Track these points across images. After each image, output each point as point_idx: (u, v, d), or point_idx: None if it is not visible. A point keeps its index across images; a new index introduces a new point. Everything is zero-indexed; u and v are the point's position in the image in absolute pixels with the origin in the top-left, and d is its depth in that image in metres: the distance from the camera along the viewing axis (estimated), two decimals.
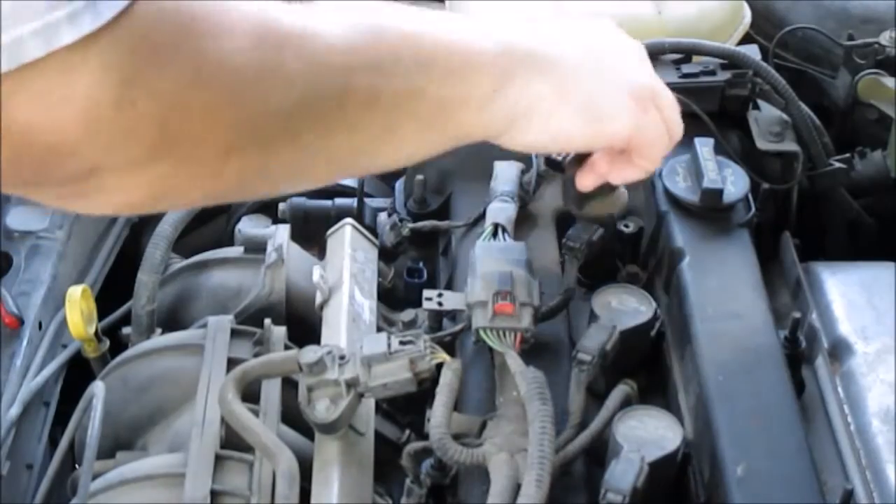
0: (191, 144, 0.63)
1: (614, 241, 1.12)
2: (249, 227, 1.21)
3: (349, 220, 1.17)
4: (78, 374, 1.18)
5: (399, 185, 1.34)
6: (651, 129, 0.89)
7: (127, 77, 0.57)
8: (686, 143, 1.08)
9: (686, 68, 1.22)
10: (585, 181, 0.97)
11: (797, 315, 0.99)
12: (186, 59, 0.60)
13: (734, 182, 1.08)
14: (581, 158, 0.96)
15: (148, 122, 0.60)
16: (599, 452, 0.94)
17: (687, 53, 1.25)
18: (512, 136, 0.86)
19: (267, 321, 1.06)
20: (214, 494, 0.90)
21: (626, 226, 1.13)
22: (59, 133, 0.58)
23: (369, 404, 0.98)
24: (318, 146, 0.72)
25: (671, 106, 0.92)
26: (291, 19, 0.67)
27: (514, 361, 0.94)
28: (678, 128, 0.93)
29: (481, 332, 0.96)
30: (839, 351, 0.93)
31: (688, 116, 1.17)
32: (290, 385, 1.00)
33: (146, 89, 0.59)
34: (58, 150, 0.59)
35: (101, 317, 1.17)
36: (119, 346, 1.17)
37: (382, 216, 1.24)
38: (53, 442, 1.14)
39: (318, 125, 0.71)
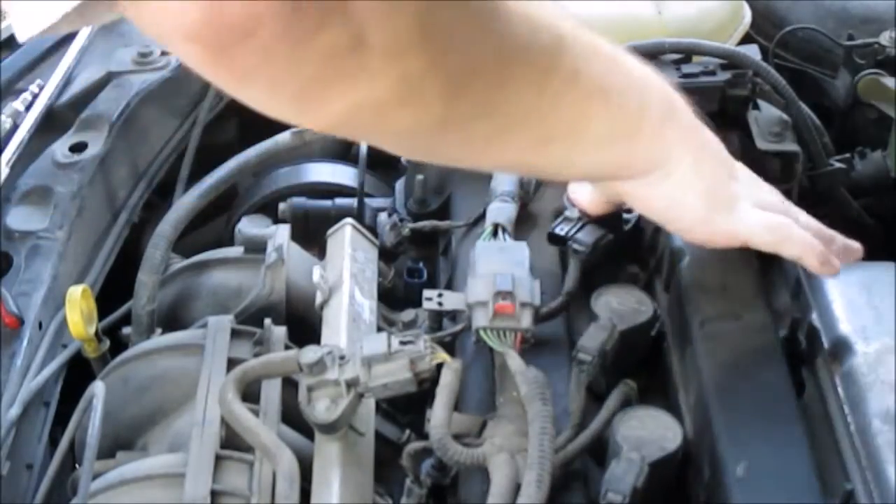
0: (444, 42, 0.67)
1: (618, 243, 1.12)
2: (249, 227, 1.21)
3: (349, 220, 1.17)
4: (78, 374, 1.18)
5: (399, 185, 1.34)
6: (757, 232, 0.95)
7: None
8: None
9: (686, 68, 1.22)
10: None
11: (797, 315, 0.99)
12: None
13: None
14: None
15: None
16: (599, 452, 0.94)
17: (687, 53, 1.25)
18: (645, 184, 0.92)
19: (267, 321, 1.06)
20: (214, 494, 0.89)
21: (626, 221, 1.13)
22: None
23: (369, 404, 0.99)
24: (530, 104, 0.78)
25: (787, 209, 0.98)
26: None
27: (514, 361, 0.94)
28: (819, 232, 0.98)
29: (481, 332, 0.96)
30: (839, 351, 0.93)
31: None
32: (290, 385, 1.00)
33: None
34: (339, 5, 0.60)
35: (101, 317, 1.17)
36: (119, 346, 1.17)
37: (382, 216, 1.25)
38: (53, 442, 1.13)
39: (532, 77, 0.76)
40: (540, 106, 0.79)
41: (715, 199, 0.94)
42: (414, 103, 0.70)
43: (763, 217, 0.96)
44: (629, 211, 1.11)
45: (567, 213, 1.09)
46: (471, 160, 0.88)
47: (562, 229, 1.08)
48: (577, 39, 0.80)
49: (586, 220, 1.08)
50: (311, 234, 1.24)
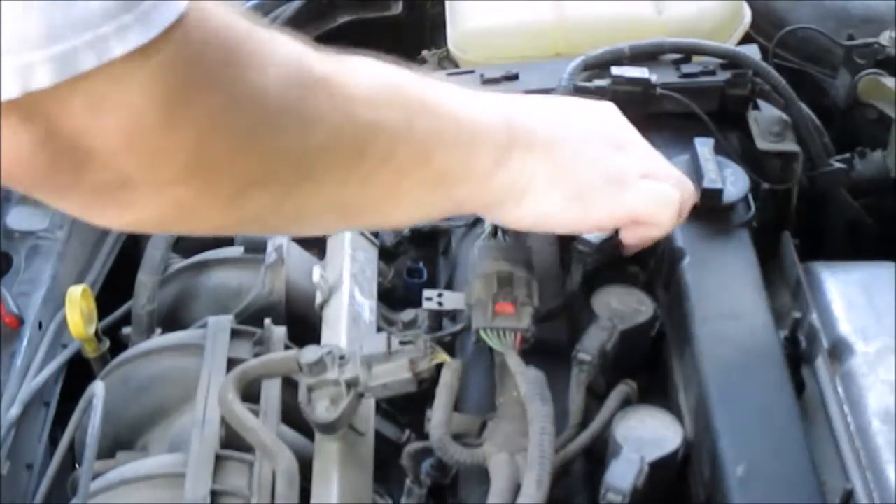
0: (217, 171, 0.65)
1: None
2: None
3: None
4: (78, 374, 1.18)
5: None
6: (645, 204, 0.93)
7: (172, 96, 0.59)
8: (686, 143, 1.08)
9: (686, 68, 1.22)
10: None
11: (797, 315, 0.99)
12: (226, 84, 0.63)
13: (734, 182, 1.07)
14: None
15: (185, 144, 0.62)
16: (599, 452, 0.94)
17: (687, 53, 1.25)
18: (502, 212, 0.90)
19: (267, 321, 1.06)
20: (214, 494, 0.90)
21: None
22: (102, 139, 0.59)
23: (369, 404, 0.98)
24: (332, 195, 0.76)
25: (668, 175, 0.95)
26: (324, 66, 0.71)
27: (514, 361, 0.94)
28: (679, 194, 0.95)
29: (481, 332, 0.96)
30: (839, 351, 0.93)
31: (688, 116, 1.18)
32: (290, 385, 1.00)
33: (188, 110, 0.61)
34: (97, 157, 0.60)
35: (101, 317, 1.17)
36: (119, 346, 1.17)
37: None
38: (53, 442, 1.14)
39: (336, 172, 0.74)
40: (343, 194, 0.77)
41: (588, 194, 0.90)
42: (191, 220, 0.70)
43: (650, 187, 0.93)
44: None
45: None
46: (285, 233, 0.88)
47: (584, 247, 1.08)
48: (392, 110, 0.76)
49: None
50: None
